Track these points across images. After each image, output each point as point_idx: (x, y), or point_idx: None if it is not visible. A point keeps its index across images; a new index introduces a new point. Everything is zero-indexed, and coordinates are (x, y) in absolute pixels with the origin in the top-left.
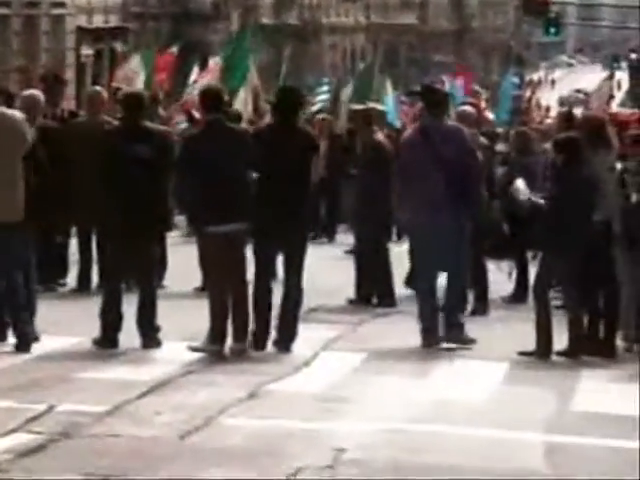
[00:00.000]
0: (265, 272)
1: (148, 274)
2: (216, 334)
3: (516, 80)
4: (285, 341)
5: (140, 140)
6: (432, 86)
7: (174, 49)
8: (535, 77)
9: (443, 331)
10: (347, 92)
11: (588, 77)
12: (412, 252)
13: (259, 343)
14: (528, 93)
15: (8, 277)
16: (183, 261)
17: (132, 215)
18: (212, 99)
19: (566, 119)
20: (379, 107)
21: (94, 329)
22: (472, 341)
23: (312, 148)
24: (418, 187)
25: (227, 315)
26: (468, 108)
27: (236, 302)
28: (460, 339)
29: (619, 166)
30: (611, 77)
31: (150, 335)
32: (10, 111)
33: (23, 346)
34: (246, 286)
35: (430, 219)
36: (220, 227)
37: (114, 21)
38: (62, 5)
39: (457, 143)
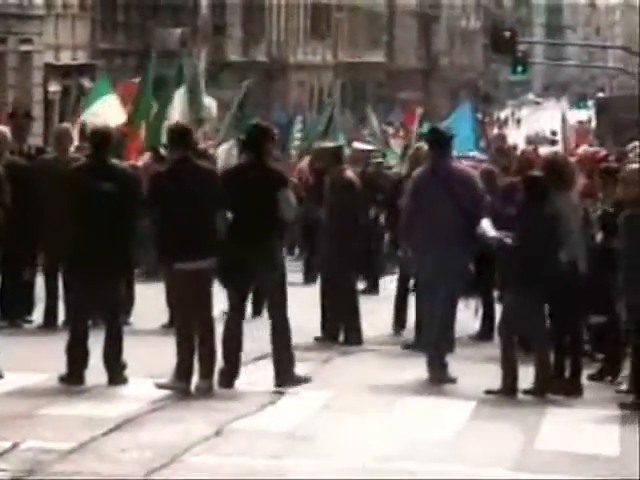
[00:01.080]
0: (236, 310)
1: (114, 311)
2: (182, 371)
3: (478, 116)
4: (285, 374)
5: (106, 177)
6: (438, 128)
7: (136, 80)
8: (502, 115)
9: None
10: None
11: (554, 116)
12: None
13: (226, 380)
14: (495, 131)
15: None
16: (150, 298)
17: (98, 252)
18: (180, 136)
19: (527, 159)
20: (368, 146)
21: (60, 366)
22: (453, 381)
23: (281, 184)
24: (424, 224)
25: (194, 352)
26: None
27: (202, 339)
28: (444, 379)
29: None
30: (563, 120)
31: (116, 372)
32: None
33: None
34: (212, 323)
35: (435, 256)
36: (186, 264)
37: (82, 57)
38: (29, 42)
39: (464, 183)
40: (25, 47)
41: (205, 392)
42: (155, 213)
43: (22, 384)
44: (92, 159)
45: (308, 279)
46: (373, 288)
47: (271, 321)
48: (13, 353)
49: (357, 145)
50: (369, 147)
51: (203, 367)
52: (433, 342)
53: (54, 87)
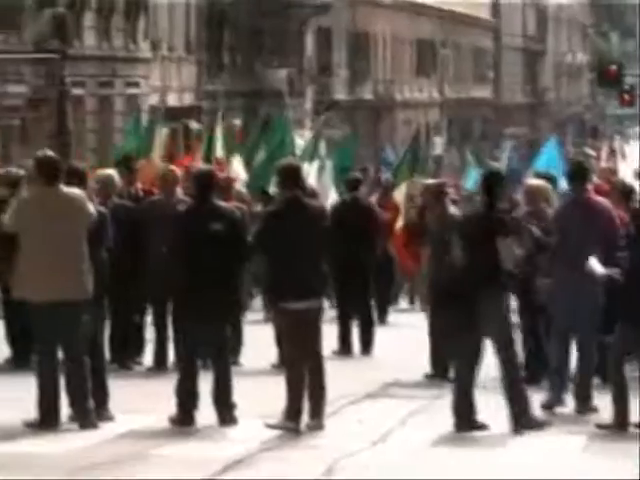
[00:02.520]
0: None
1: (222, 351)
2: (292, 410)
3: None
4: (523, 416)
5: (213, 219)
6: (579, 161)
7: (237, 122)
8: (609, 149)
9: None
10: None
11: None
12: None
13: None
14: (605, 165)
15: (75, 356)
16: (260, 338)
17: (206, 293)
18: (291, 175)
19: (622, 191)
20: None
21: (171, 407)
22: (595, 410)
23: (501, 231)
24: (565, 256)
25: (303, 391)
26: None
27: (313, 378)
28: (589, 409)
29: None
30: None
31: (226, 412)
32: (69, 189)
33: (87, 424)
34: (323, 362)
35: (576, 287)
36: (297, 303)
37: (188, 99)
38: (136, 85)
39: (602, 216)
40: (132, 90)
41: (315, 431)
42: (264, 252)
43: (133, 425)
44: (198, 201)
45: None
46: None
47: (502, 363)
48: (124, 395)
49: None
50: None
51: (313, 406)
52: (564, 377)
53: (163, 129)
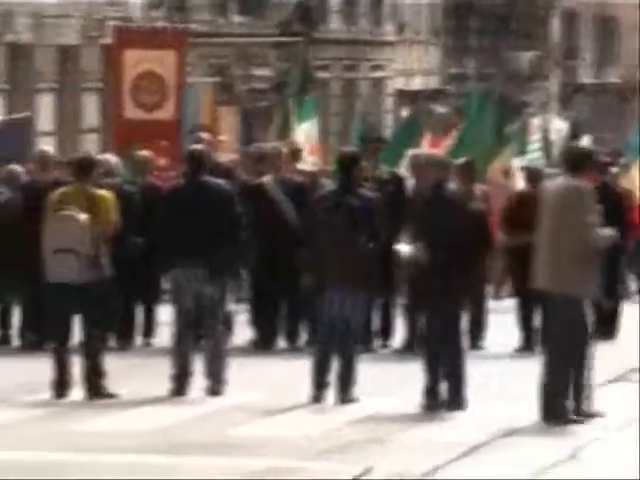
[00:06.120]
0: None
1: (455, 336)
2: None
3: None
4: None
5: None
6: None
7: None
8: None
9: None
10: None
11: None
12: None
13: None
14: None
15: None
16: (501, 322)
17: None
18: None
19: None
20: None
21: (415, 390)
22: None
23: None
24: None
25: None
26: None
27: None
28: None
29: None
30: None
31: (459, 396)
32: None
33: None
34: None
35: None
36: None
37: (432, 83)
38: (381, 68)
39: None
40: (377, 73)
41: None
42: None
43: (380, 409)
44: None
45: None
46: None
47: None
48: (369, 378)
49: None
50: None
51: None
52: None
53: (404, 112)
